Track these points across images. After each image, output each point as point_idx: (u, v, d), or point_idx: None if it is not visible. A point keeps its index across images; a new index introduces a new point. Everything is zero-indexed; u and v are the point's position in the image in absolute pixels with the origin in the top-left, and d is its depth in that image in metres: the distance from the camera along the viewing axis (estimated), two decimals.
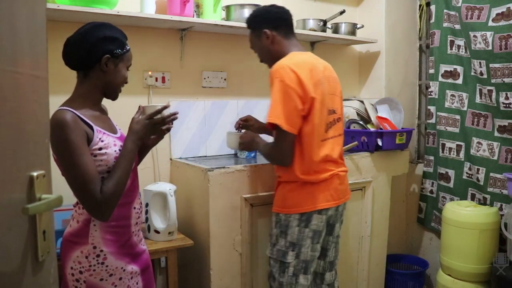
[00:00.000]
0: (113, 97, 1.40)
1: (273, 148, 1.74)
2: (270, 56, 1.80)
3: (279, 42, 1.79)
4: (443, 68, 2.69)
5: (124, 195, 1.31)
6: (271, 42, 1.79)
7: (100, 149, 1.27)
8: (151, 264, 1.51)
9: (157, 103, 2.29)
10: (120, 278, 1.34)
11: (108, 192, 1.22)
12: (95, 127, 1.28)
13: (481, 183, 2.47)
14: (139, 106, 1.42)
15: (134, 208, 1.41)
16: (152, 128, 1.36)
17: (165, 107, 1.38)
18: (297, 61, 1.69)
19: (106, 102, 2.17)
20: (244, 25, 2.25)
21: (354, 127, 2.52)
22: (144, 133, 1.34)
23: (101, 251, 1.30)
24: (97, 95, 1.37)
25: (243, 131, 2.05)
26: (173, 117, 1.39)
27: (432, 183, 2.83)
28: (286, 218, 1.74)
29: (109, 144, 1.30)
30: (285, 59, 1.72)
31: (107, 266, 1.31)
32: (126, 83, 1.40)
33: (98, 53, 1.29)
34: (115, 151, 1.31)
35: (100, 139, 1.28)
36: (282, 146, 1.69)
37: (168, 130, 1.43)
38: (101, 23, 1.34)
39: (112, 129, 1.39)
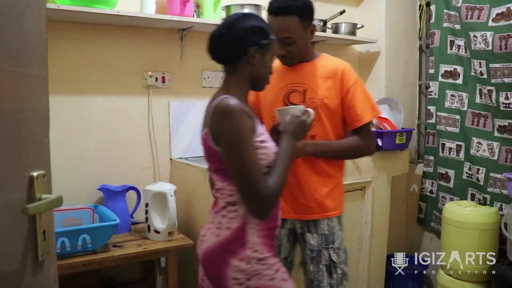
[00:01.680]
0: (261, 88, 1.34)
1: (367, 139, 1.65)
2: (303, 53, 1.64)
3: (311, 42, 1.69)
4: (443, 68, 2.69)
5: None
6: (310, 39, 1.63)
7: (262, 141, 1.19)
8: None
9: (160, 103, 2.31)
10: (284, 272, 1.29)
11: (273, 188, 1.14)
12: (254, 119, 1.21)
13: (481, 183, 2.47)
14: (276, 110, 1.43)
15: (280, 209, 1.34)
16: (303, 128, 1.33)
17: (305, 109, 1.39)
18: None
19: (108, 101, 2.18)
20: None
21: None
22: (299, 132, 1.31)
23: (262, 253, 1.21)
24: (246, 88, 1.30)
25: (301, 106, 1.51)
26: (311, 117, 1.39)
27: (432, 183, 2.83)
28: (339, 217, 1.72)
29: (268, 138, 1.24)
30: (337, 59, 1.69)
31: (271, 264, 1.23)
32: (271, 73, 1.34)
33: (244, 44, 1.22)
34: (273, 146, 1.24)
35: (262, 131, 1.22)
36: (373, 136, 1.73)
37: None
38: (244, 14, 1.27)
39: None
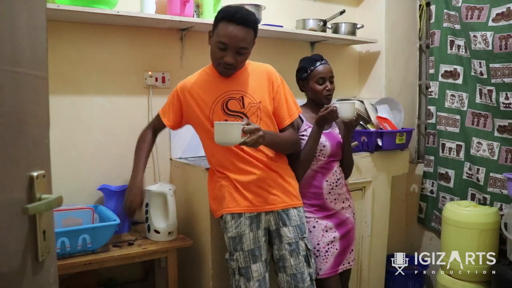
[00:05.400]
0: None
1: (296, 133, 1.84)
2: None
3: None
4: (443, 68, 2.69)
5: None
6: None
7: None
8: (350, 226, 1.94)
9: (160, 103, 2.29)
10: (314, 227, 1.84)
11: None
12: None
13: (481, 183, 2.47)
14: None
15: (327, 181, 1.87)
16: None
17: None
18: None
19: (108, 101, 2.18)
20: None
21: None
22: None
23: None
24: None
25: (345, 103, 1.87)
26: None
27: (432, 183, 2.83)
28: (302, 207, 1.82)
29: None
30: (259, 63, 1.81)
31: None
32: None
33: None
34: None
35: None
36: None
37: None
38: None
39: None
